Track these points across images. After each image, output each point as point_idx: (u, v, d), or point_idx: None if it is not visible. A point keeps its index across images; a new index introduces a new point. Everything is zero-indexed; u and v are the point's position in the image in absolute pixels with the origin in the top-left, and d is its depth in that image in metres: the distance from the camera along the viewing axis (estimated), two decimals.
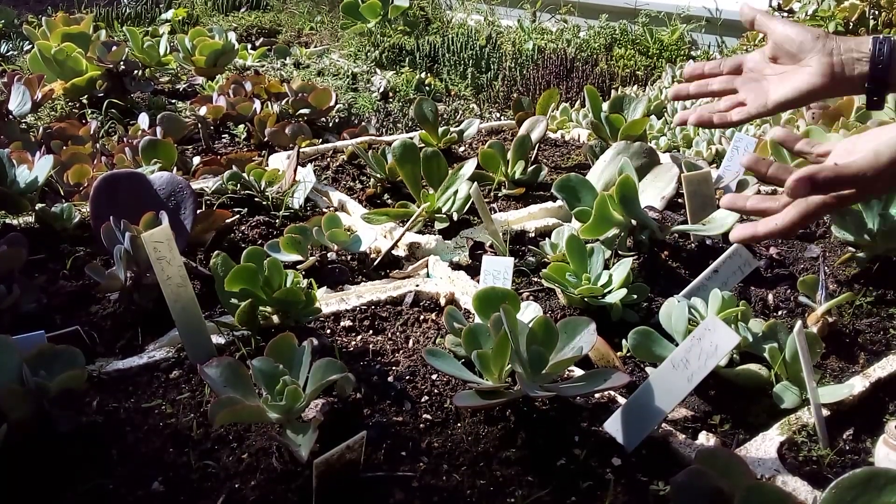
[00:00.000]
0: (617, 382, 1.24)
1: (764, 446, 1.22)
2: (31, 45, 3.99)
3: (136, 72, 3.53)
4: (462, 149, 2.83)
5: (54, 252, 1.85)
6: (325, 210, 2.20)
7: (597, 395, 1.35)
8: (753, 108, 1.28)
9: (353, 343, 1.52)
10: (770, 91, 1.27)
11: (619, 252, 1.82)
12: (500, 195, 2.32)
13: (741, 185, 2.18)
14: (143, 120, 2.86)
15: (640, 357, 1.42)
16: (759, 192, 2.20)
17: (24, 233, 1.77)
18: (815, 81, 1.22)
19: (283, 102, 3.12)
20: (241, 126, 3.03)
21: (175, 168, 2.36)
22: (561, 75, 4.09)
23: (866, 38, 1.20)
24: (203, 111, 3.06)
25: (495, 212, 2.17)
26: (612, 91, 3.81)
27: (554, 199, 2.13)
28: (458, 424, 1.27)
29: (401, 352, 1.49)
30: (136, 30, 3.95)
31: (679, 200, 2.07)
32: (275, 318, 1.51)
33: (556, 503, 1.12)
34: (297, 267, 1.78)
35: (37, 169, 2.03)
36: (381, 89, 4.05)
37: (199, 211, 1.84)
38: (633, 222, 1.85)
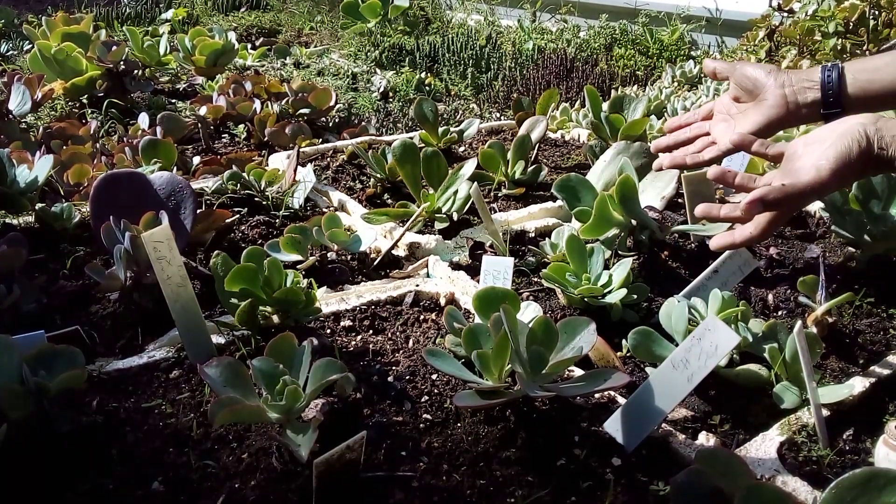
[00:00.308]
0: (617, 382, 1.24)
1: (764, 446, 1.22)
2: (31, 45, 3.99)
3: (136, 71, 3.53)
4: (462, 149, 2.83)
5: (54, 252, 1.85)
6: (325, 210, 2.20)
7: (597, 395, 1.35)
8: (723, 145, 1.38)
9: (353, 343, 1.52)
10: (736, 127, 1.38)
11: (619, 252, 1.82)
12: (500, 195, 2.32)
13: None
14: (143, 120, 2.86)
15: (640, 357, 1.42)
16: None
17: (24, 233, 1.77)
18: (772, 113, 1.33)
19: (283, 102, 3.12)
20: (241, 126, 3.03)
21: (175, 168, 2.36)
22: (561, 75, 4.09)
23: (816, 68, 1.31)
24: (203, 111, 3.06)
25: (495, 212, 2.17)
26: (612, 91, 3.81)
27: (554, 199, 2.13)
28: (458, 424, 1.27)
29: (401, 352, 1.49)
30: (136, 29, 3.95)
31: (679, 200, 2.07)
32: (275, 318, 1.51)
33: (556, 503, 1.12)
34: (297, 267, 1.78)
35: (37, 169, 2.03)
36: (381, 89, 4.05)
37: (199, 211, 1.84)
38: (633, 222, 1.85)
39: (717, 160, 1.40)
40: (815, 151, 1.15)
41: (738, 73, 1.39)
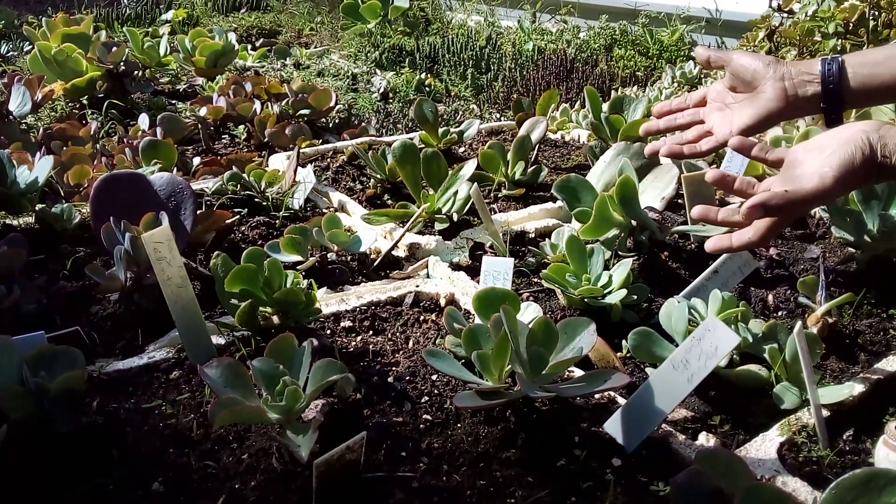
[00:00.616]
0: (617, 383, 1.24)
1: (764, 447, 1.22)
2: (31, 46, 3.99)
3: (136, 72, 3.53)
4: (462, 149, 2.83)
5: (54, 252, 1.85)
6: (325, 211, 2.20)
7: (597, 396, 1.35)
8: (721, 136, 1.36)
9: (353, 343, 1.52)
10: (734, 118, 1.36)
11: (619, 253, 1.82)
12: (500, 196, 2.32)
13: None
14: (144, 120, 2.86)
15: (640, 358, 1.42)
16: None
17: (24, 233, 1.77)
18: (772, 106, 1.31)
19: (284, 103, 3.12)
20: (242, 127, 3.03)
21: (175, 168, 2.36)
22: (561, 76, 4.09)
23: (816, 61, 1.28)
24: (203, 112, 3.06)
25: (495, 212, 2.17)
26: (612, 92, 3.81)
27: (554, 199, 2.13)
28: (458, 425, 1.27)
29: (401, 352, 1.49)
30: (137, 30, 3.95)
31: (679, 201, 2.07)
32: (275, 319, 1.51)
33: (556, 503, 1.12)
34: (298, 267, 1.78)
35: (37, 169, 2.03)
36: (381, 90, 4.05)
37: (199, 211, 1.84)
38: (633, 223, 1.85)
39: (714, 151, 1.38)
40: (816, 158, 1.14)
41: (736, 63, 1.36)
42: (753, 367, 1.39)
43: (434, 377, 1.40)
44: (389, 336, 1.56)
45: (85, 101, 3.39)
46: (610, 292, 1.61)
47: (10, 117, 2.76)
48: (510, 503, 1.11)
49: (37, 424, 1.19)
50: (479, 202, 1.85)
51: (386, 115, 3.53)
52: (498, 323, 1.23)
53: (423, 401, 1.33)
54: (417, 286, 1.74)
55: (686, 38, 4.80)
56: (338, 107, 3.30)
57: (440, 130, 2.70)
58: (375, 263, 1.91)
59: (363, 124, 3.27)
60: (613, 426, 1.24)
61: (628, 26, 4.96)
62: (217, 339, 1.48)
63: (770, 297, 1.71)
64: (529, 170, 2.37)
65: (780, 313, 1.67)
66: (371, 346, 1.50)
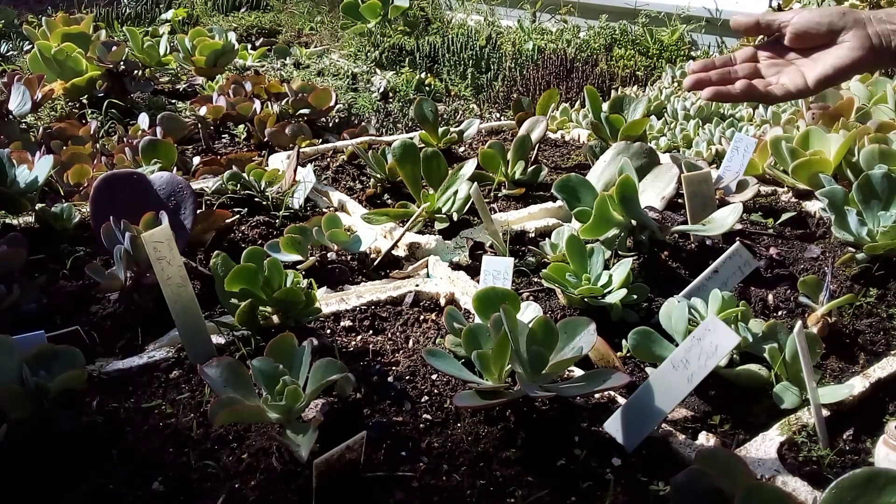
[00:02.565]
0: (617, 382, 1.24)
1: (764, 446, 1.22)
2: (31, 45, 3.99)
3: (136, 72, 3.53)
4: (462, 149, 2.83)
5: (54, 252, 1.85)
6: (325, 210, 2.20)
7: (597, 396, 1.35)
8: (793, 87, 1.25)
9: (353, 343, 1.52)
10: (806, 72, 1.25)
11: (619, 252, 1.82)
12: (500, 195, 2.32)
13: (741, 186, 2.18)
14: (143, 120, 2.86)
15: (640, 357, 1.42)
16: (759, 192, 2.20)
17: (24, 233, 1.77)
18: (855, 55, 1.22)
19: (283, 102, 3.12)
20: (241, 126, 3.04)
21: (175, 168, 2.36)
22: (561, 75, 4.09)
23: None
24: (203, 111, 3.06)
25: (495, 212, 2.17)
26: (612, 91, 3.81)
27: (554, 199, 2.13)
28: (458, 424, 1.27)
29: (401, 352, 1.49)
30: (136, 30, 3.95)
31: (679, 201, 2.07)
32: (275, 318, 1.51)
33: (556, 503, 1.12)
34: (297, 267, 1.78)
35: (37, 169, 2.03)
36: (381, 89, 4.05)
37: (199, 211, 1.84)
38: (633, 222, 1.85)
39: (784, 100, 1.27)
40: None
41: (803, 19, 1.25)
42: (753, 367, 1.39)
43: (434, 377, 1.40)
44: (389, 336, 1.56)
45: (85, 101, 3.39)
46: (610, 292, 1.61)
47: (10, 116, 2.76)
48: (510, 503, 1.11)
49: (37, 424, 1.19)
50: (479, 202, 1.85)
51: (386, 115, 3.53)
52: (498, 322, 1.23)
53: (422, 400, 1.33)
54: (417, 286, 1.74)
55: (686, 38, 4.80)
56: (338, 106, 3.30)
57: (440, 130, 2.70)
58: (375, 263, 1.91)
59: (363, 124, 3.27)
60: (613, 426, 1.24)
61: (628, 26, 4.96)
62: (217, 339, 1.48)
63: (770, 297, 1.71)
64: (529, 169, 2.37)
65: (780, 313, 1.67)
66: (371, 346, 1.50)
